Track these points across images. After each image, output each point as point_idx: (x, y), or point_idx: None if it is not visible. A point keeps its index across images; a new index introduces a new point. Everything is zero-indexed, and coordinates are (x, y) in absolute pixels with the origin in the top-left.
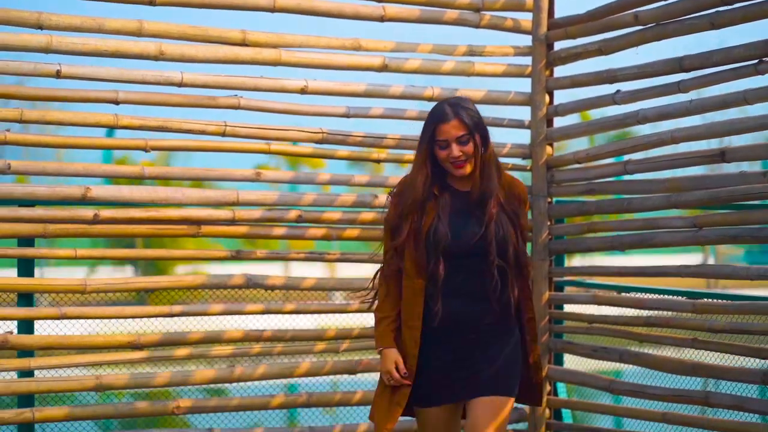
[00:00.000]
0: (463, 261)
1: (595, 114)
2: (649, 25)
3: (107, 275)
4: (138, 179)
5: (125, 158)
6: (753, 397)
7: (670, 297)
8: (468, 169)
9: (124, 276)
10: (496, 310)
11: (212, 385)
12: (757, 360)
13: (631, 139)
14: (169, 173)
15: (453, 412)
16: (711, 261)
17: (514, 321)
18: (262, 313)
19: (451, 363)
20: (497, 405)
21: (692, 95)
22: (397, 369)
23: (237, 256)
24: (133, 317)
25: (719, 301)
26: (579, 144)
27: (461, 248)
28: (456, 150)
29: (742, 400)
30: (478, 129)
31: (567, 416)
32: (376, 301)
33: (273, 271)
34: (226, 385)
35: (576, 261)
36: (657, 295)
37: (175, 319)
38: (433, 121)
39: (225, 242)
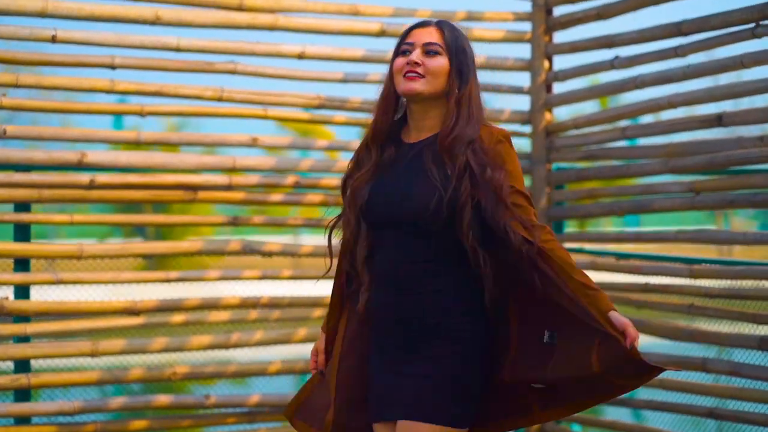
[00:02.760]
0: (394, 233)
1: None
2: None
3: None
4: (134, 145)
5: (135, 126)
6: (749, 363)
7: (668, 263)
8: (419, 86)
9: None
10: (438, 300)
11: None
12: (754, 325)
13: (629, 105)
14: (164, 138)
15: None
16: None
17: (469, 316)
18: (260, 279)
19: (379, 369)
20: None
21: (690, 59)
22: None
23: (235, 222)
24: (129, 282)
25: (716, 266)
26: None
27: (389, 215)
28: (416, 55)
29: (739, 366)
30: (456, 54)
31: None
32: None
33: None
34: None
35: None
36: (655, 262)
37: (173, 285)
38: (409, 27)
39: (231, 209)
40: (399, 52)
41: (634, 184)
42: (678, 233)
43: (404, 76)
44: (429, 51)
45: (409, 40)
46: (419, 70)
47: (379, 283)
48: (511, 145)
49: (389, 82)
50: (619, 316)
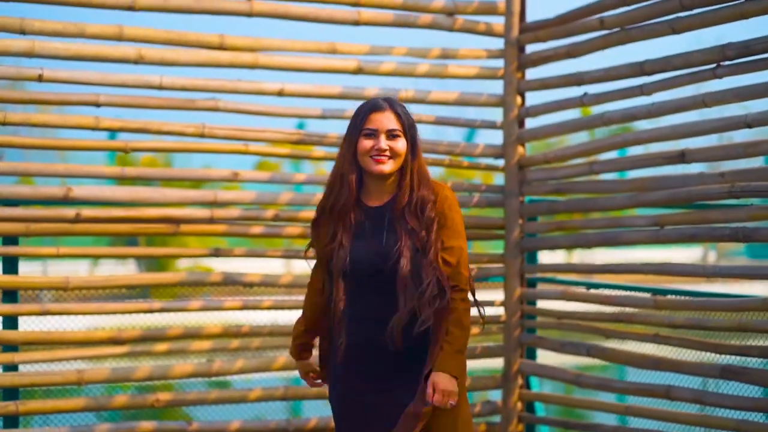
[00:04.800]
0: (366, 281)
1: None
2: (614, 30)
3: (110, 271)
4: (118, 179)
5: (126, 159)
6: (711, 391)
7: (634, 293)
8: (388, 168)
9: (127, 271)
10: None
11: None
12: (715, 354)
13: (597, 140)
14: (147, 173)
15: None
16: (711, 255)
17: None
18: (241, 309)
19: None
20: None
21: (655, 98)
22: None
23: (217, 254)
24: (114, 313)
25: (680, 297)
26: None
27: (363, 269)
28: (383, 141)
29: (701, 393)
30: (411, 131)
31: (540, 409)
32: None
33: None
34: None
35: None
36: (623, 292)
37: (156, 314)
38: (365, 110)
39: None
40: (362, 134)
41: (603, 217)
42: (644, 265)
43: (372, 158)
44: (392, 136)
45: (371, 126)
46: (387, 153)
47: (360, 323)
48: (454, 202)
49: (351, 158)
50: (437, 377)
